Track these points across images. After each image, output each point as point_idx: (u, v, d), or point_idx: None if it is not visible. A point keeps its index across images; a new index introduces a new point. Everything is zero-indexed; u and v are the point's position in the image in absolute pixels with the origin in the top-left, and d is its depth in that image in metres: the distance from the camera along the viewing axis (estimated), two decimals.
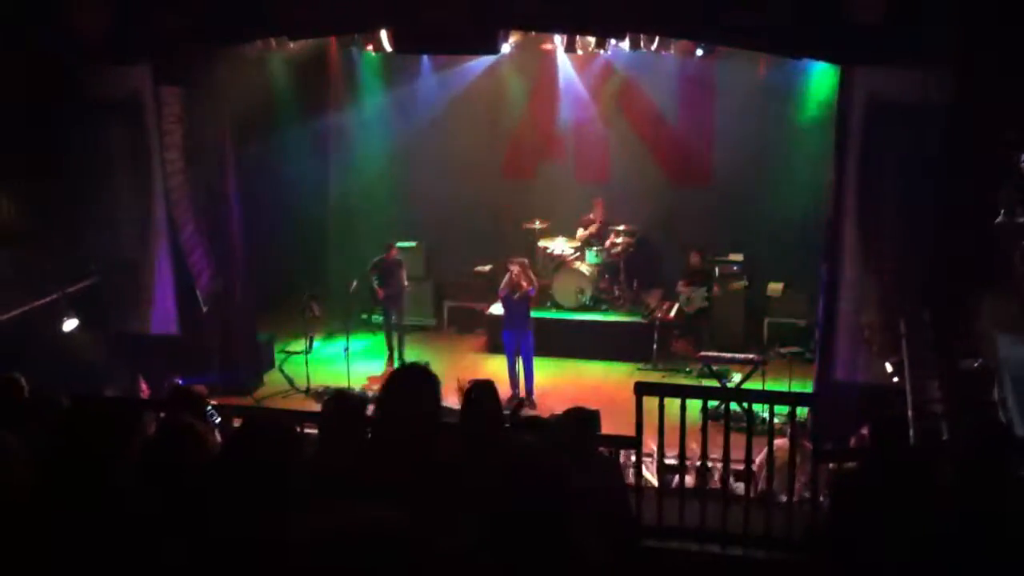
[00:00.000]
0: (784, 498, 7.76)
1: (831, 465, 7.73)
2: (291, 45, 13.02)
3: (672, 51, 13.88)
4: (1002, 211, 8.96)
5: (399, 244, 16.15)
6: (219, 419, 7.50)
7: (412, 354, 14.09)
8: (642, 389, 7.63)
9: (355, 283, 14.37)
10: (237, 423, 7.19)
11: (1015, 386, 7.75)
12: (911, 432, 7.82)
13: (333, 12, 11.10)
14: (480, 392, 5.21)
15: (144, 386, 11.90)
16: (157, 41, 11.62)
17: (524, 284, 12.88)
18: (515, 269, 12.96)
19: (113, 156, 12.49)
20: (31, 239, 11.47)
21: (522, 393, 13.05)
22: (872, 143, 10.79)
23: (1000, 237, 9.11)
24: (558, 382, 13.65)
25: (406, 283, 14.66)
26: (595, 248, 15.50)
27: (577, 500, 5.02)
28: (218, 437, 5.92)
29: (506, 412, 5.38)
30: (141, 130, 12.41)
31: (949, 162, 10.13)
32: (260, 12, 11.24)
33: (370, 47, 14.30)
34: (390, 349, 14.64)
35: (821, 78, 13.54)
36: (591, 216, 15.73)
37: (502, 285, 13.12)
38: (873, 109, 10.66)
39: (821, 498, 7.29)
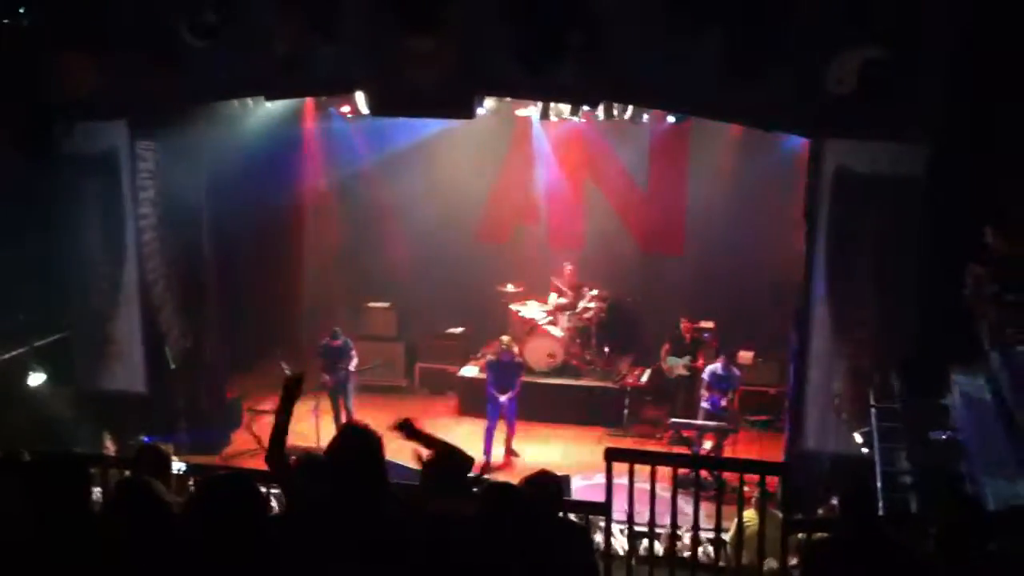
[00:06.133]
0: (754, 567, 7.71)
1: (801, 535, 7.70)
2: (267, 104, 13.08)
3: (645, 120, 14.01)
4: (970, 284, 9.03)
5: (372, 304, 16.16)
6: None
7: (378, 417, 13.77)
8: (612, 455, 7.60)
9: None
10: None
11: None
12: (880, 503, 7.81)
13: (309, 74, 11.16)
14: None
15: (111, 443, 11.72)
16: (135, 97, 11.63)
17: None
18: None
19: (86, 210, 12.43)
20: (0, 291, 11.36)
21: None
22: (842, 214, 10.85)
23: (968, 310, 9.18)
24: (528, 446, 13.57)
25: (352, 368, 13.73)
26: (567, 313, 15.50)
27: (542, 566, 4.97)
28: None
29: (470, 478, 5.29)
30: (116, 185, 12.38)
31: (922, 234, 10.22)
32: (237, 71, 11.28)
33: (346, 108, 14.39)
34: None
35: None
36: (564, 281, 15.76)
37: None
38: (842, 181, 10.75)
39: (791, 568, 7.24)
